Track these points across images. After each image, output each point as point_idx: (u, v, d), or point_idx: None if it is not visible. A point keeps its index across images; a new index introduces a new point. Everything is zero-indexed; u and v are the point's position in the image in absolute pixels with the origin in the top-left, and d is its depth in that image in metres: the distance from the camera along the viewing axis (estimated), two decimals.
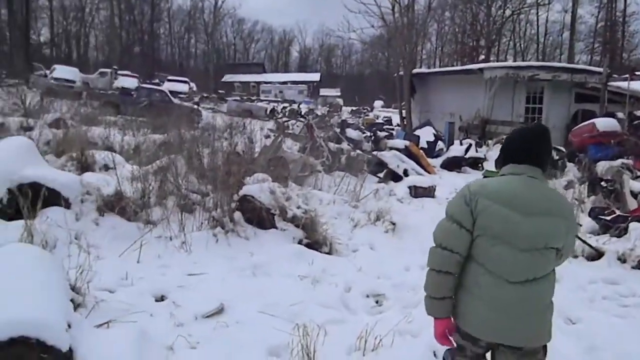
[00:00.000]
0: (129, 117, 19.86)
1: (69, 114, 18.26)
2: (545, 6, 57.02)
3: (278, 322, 4.04)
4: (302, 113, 37.32)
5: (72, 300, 4.12)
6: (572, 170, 12.62)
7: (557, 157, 12.61)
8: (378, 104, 57.46)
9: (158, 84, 42.70)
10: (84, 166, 8.04)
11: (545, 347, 2.51)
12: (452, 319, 2.54)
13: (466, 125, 17.86)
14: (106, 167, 8.25)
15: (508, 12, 54.35)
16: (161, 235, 5.88)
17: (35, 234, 5.01)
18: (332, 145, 12.00)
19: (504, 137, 16.06)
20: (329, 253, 5.92)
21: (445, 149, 15.99)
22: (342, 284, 4.94)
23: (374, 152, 12.44)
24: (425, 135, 16.37)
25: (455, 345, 2.57)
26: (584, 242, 6.23)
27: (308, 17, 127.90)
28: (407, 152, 12.94)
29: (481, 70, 18.23)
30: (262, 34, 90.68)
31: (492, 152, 14.80)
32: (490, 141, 16.62)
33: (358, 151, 12.37)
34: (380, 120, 35.51)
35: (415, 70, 22.30)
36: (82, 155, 8.11)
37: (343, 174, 10.76)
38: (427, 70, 24.56)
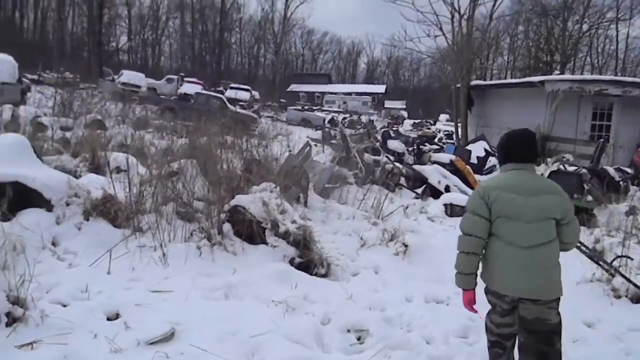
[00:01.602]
0: (183, 122, 19.98)
1: (119, 117, 18.57)
2: (626, 21, 53.75)
3: (228, 357, 3.44)
4: (362, 124, 36.82)
5: (8, 314, 3.74)
6: (636, 195, 11.31)
7: (618, 179, 11.36)
8: (443, 117, 55.87)
9: (221, 92, 43.35)
10: (95, 168, 7.78)
11: (558, 299, 3.12)
12: (475, 290, 3.23)
13: None
14: (118, 170, 7.97)
15: (585, 27, 51.68)
16: (145, 245, 5.42)
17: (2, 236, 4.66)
18: (367, 156, 11.31)
19: (565, 156, 14.88)
20: (324, 275, 5.27)
21: (497, 166, 14.91)
22: (321, 314, 4.26)
23: (414, 166, 11.64)
24: (477, 150, 15.34)
25: (478, 312, 3.28)
26: (627, 280, 5.27)
27: (377, 29, 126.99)
28: (452, 167, 12.06)
29: (542, 83, 16.93)
30: (331, 45, 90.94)
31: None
32: (549, 159, 15.36)
33: (397, 164, 11.61)
34: (441, 135, 34.34)
35: (473, 82, 21.16)
36: (94, 156, 7.85)
37: (376, 188, 10.08)
38: (485, 83, 23.30)
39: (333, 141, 16.20)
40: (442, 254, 6.19)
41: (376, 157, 11.62)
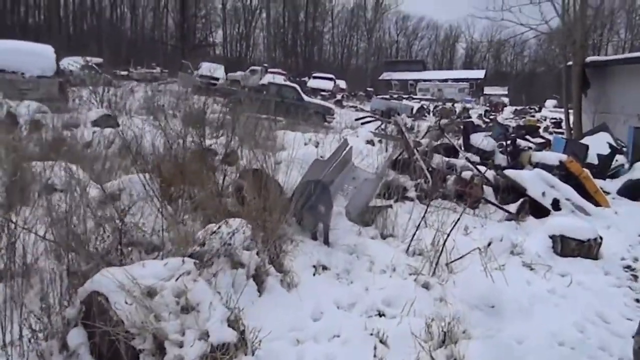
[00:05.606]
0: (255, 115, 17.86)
1: (171, 111, 16.49)
2: None
3: None
4: (456, 113, 33.07)
5: None
6: None
7: None
8: (550, 103, 50.43)
9: (304, 82, 41.36)
10: (13, 184, 5.32)
11: None
12: None
13: None
14: (51, 189, 5.48)
15: None
16: None
17: None
18: (438, 159, 8.11)
19: None
20: None
21: (627, 167, 11.06)
22: None
23: (506, 171, 8.25)
24: (598, 145, 11.50)
25: None
26: None
27: (478, 12, 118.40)
28: (562, 171, 8.60)
29: None
30: (427, 30, 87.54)
31: None
32: None
33: (482, 168, 8.33)
34: (547, 123, 29.77)
35: (589, 59, 16.97)
36: (17, 171, 5.38)
37: (447, 205, 6.97)
38: (606, 58, 18.84)
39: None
40: None
41: (452, 160, 8.38)
